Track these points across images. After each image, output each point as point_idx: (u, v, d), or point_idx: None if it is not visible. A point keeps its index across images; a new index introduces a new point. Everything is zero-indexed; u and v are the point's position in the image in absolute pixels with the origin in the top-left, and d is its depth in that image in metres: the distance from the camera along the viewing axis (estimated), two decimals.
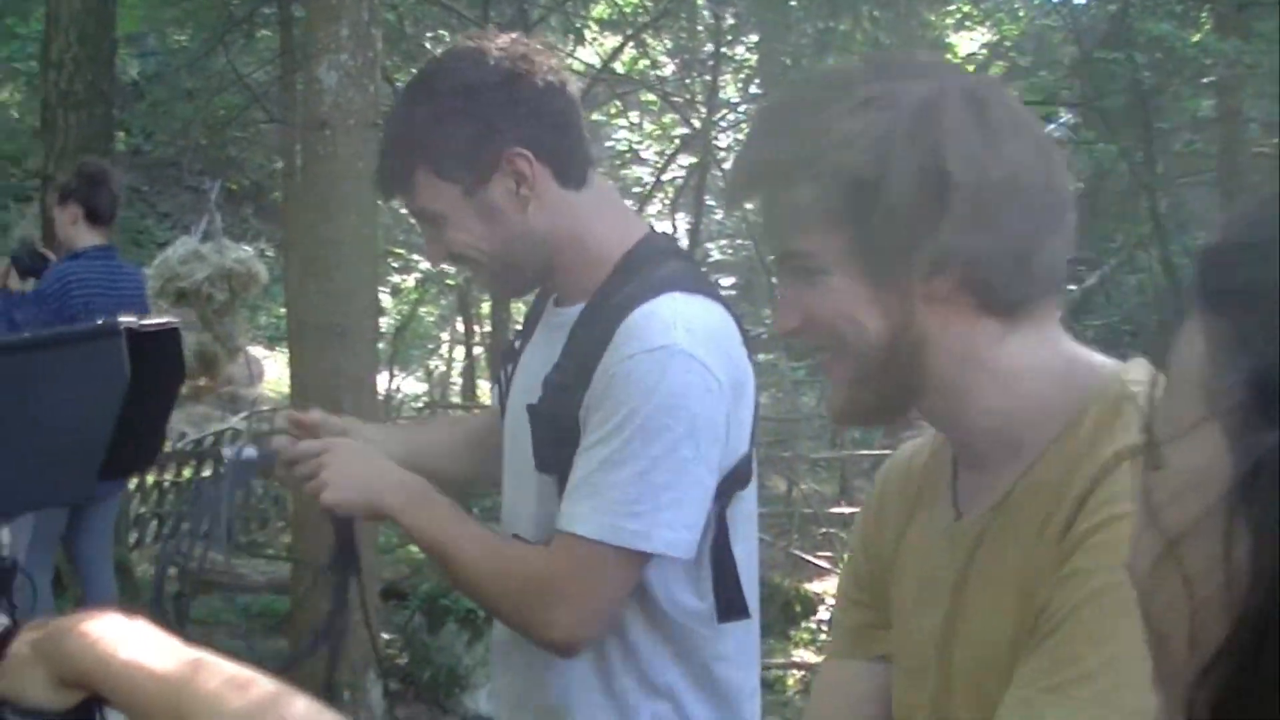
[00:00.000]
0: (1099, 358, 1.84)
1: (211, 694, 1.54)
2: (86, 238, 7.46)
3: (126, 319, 2.08)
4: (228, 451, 2.84)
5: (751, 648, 2.87)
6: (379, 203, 6.74)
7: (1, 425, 2.11)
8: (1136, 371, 1.76)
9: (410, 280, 23.11)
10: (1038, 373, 1.80)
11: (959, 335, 1.79)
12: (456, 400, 18.00)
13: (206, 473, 13.88)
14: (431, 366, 21.33)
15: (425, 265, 22.76)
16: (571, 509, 2.55)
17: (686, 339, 2.51)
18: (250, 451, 2.80)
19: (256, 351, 21.60)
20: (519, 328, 3.12)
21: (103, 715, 2.03)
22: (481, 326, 19.23)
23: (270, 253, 22.27)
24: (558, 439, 2.62)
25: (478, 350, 18.82)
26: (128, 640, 1.70)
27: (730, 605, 2.71)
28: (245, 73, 15.97)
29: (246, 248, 21.00)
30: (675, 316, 2.54)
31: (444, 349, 20.44)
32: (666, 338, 2.50)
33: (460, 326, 18.27)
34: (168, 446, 13.75)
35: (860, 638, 2.10)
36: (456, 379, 19.35)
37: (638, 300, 2.55)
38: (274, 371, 21.90)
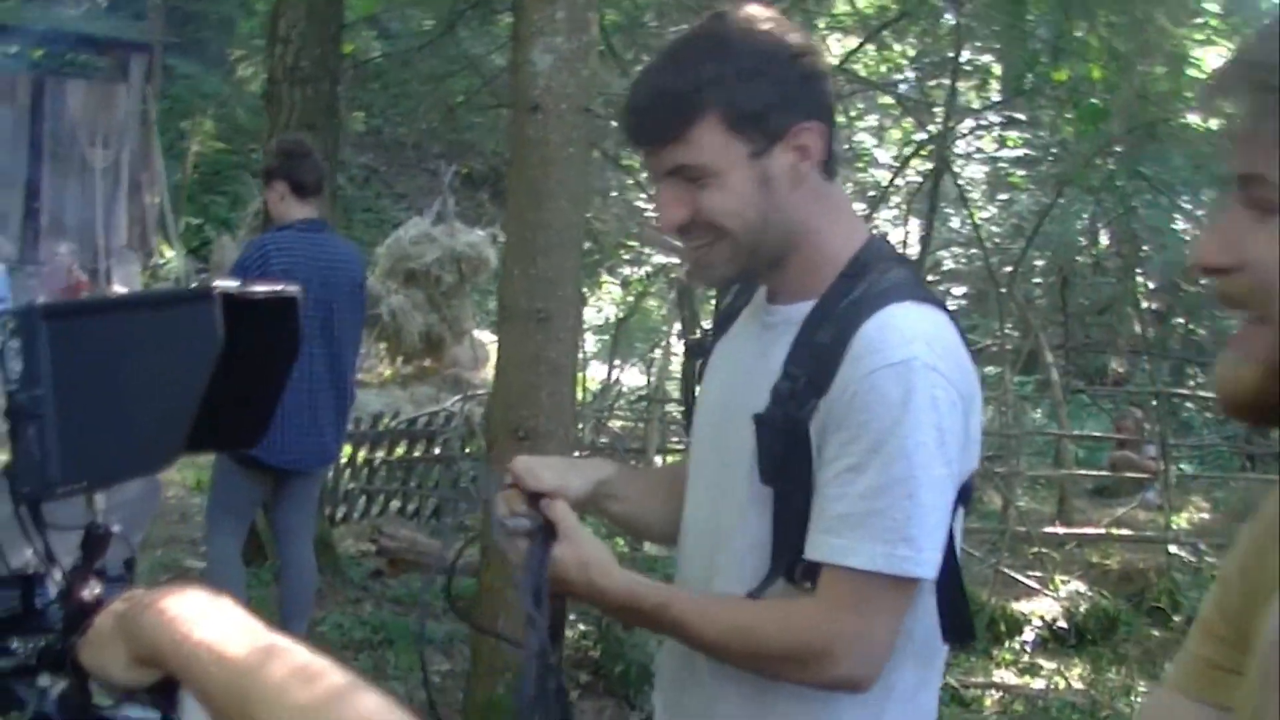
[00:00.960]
0: None
1: (278, 684, 1.49)
2: (296, 211, 7.48)
3: (226, 283, 2.00)
4: (503, 523, 2.69)
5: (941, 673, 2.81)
6: (598, 195, 6.68)
7: (92, 389, 2.05)
8: None
9: (640, 273, 23.15)
10: None
11: None
12: (674, 395, 17.92)
13: (417, 453, 13.98)
14: (652, 359, 21.31)
15: (657, 259, 22.80)
16: (837, 541, 2.45)
17: (926, 352, 2.45)
18: (523, 523, 2.64)
19: (483, 336, 21.74)
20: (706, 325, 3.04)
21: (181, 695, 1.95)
22: (703, 322, 19.18)
23: (502, 238, 22.46)
24: (786, 452, 2.52)
25: None
26: (205, 620, 1.64)
27: (959, 627, 2.66)
28: (482, 56, 16.05)
29: (479, 231, 21.25)
30: (912, 328, 2.47)
31: (666, 342, 20.39)
32: (907, 351, 2.43)
33: (680, 323, 18.22)
34: (383, 424, 13.89)
35: (1204, 677, 1.80)
36: (676, 373, 19.32)
37: (869, 308, 2.49)
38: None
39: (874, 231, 2.72)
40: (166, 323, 2.08)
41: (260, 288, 2.11)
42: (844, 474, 2.44)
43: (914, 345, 2.43)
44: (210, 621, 1.63)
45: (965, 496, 2.59)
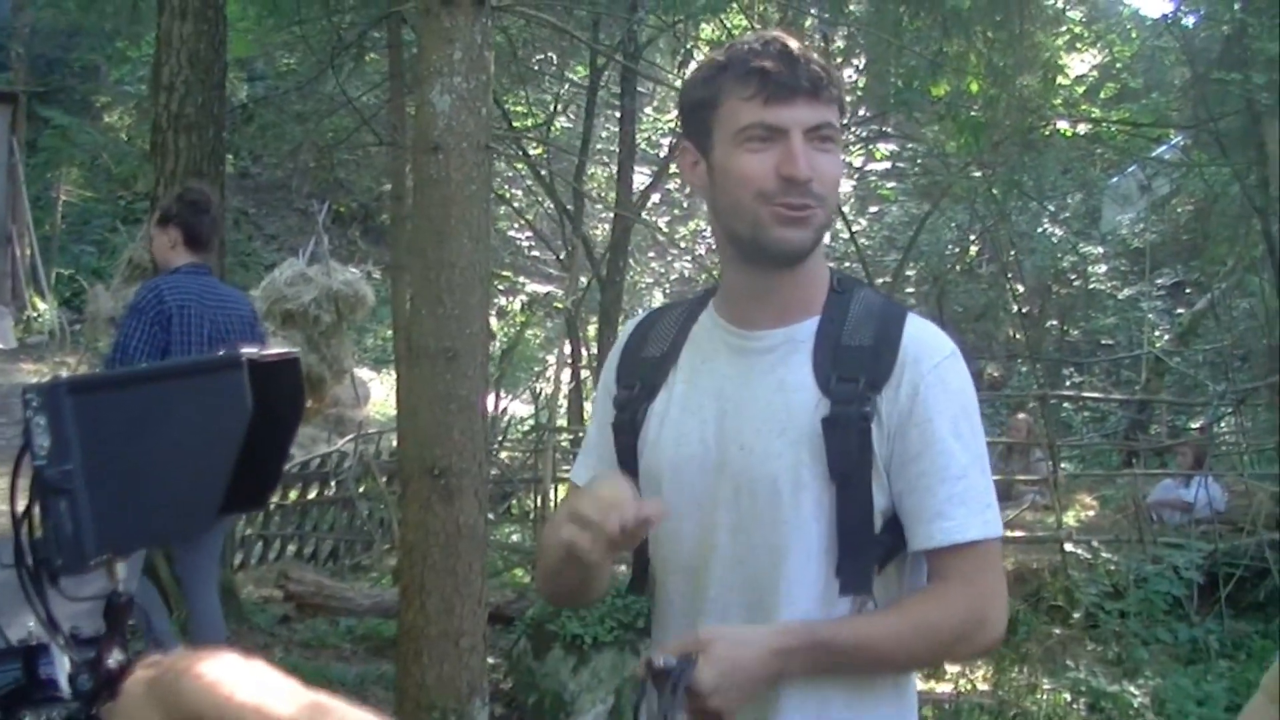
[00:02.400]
0: None
1: None
2: (183, 258, 7.69)
3: (248, 349, 2.04)
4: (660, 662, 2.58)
5: None
6: (490, 230, 6.73)
7: (122, 461, 2.07)
8: None
9: (516, 303, 23.18)
10: None
11: None
12: (563, 424, 17.98)
13: (312, 495, 13.94)
14: (538, 389, 21.34)
15: (532, 288, 22.83)
16: (949, 523, 2.69)
17: (955, 348, 2.80)
18: (671, 661, 2.57)
19: (363, 374, 21.71)
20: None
21: None
22: (588, 349, 19.21)
23: (377, 275, 22.41)
24: (854, 446, 2.70)
25: (585, 374, 18.80)
26: (245, 681, 1.66)
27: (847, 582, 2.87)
28: (354, 96, 16.05)
29: (354, 270, 21.19)
30: (938, 330, 2.83)
31: (549, 372, 20.41)
32: (950, 346, 2.79)
33: (568, 349, 18.25)
34: None
35: None
36: (563, 402, 19.37)
37: (897, 315, 2.79)
38: (380, 393, 21.98)
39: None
40: (195, 391, 2.12)
41: (268, 351, 2.15)
42: (936, 461, 2.70)
43: (948, 342, 2.79)
44: (250, 683, 1.65)
45: None
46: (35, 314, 24.85)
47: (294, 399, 2.31)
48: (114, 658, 2.17)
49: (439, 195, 6.45)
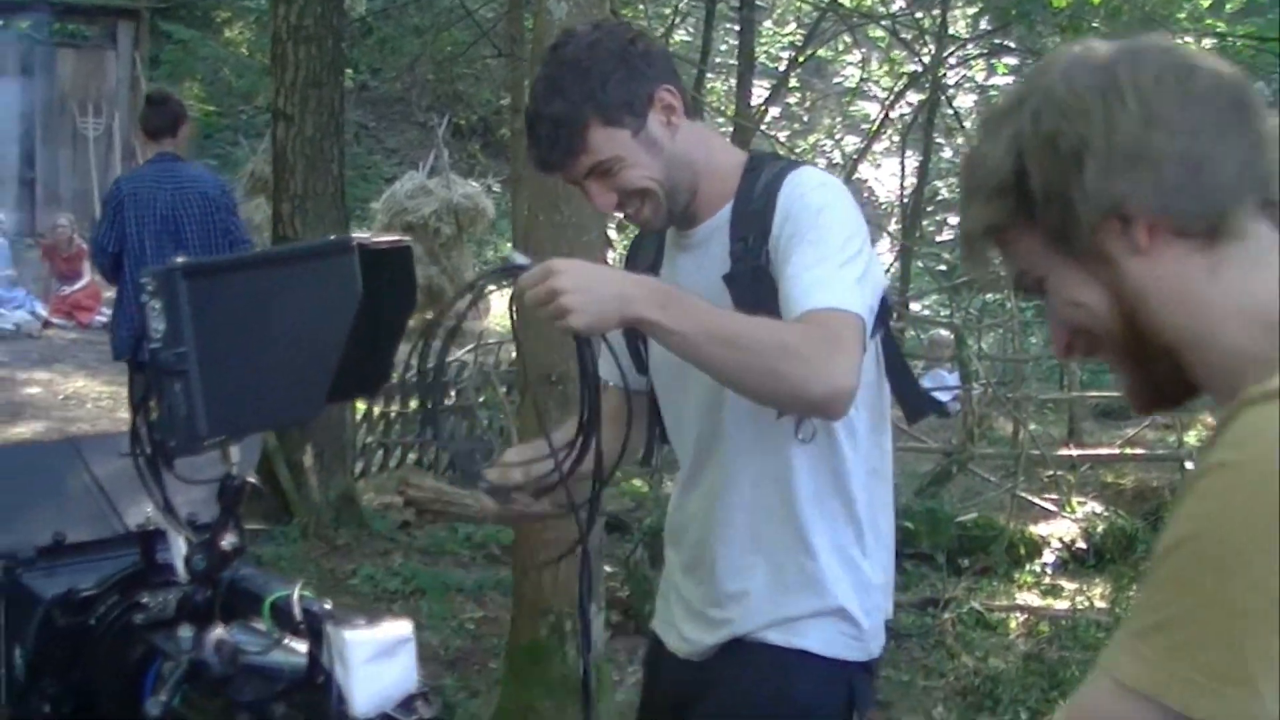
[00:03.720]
0: None
1: None
2: (150, 151, 9.23)
3: (359, 235, 2.06)
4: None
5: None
6: None
7: (234, 344, 2.10)
8: None
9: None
10: (1251, 310, 1.77)
11: (1173, 279, 1.78)
12: None
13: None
14: None
15: None
16: (805, 297, 2.97)
17: (836, 182, 3.28)
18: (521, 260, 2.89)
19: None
20: None
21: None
22: None
23: (497, 188, 22.40)
24: (757, 296, 3.09)
25: None
26: None
27: (915, 405, 3.53)
28: (472, 8, 16.03)
29: (474, 183, 21.26)
30: (820, 174, 3.28)
31: None
32: (822, 179, 3.23)
33: None
34: (395, 377, 13.94)
35: None
36: None
37: (782, 175, 3.19)
38: (500, 306, 22.05)
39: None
40: (306, 276, 2.16)
41: (380, 238, 2.19)
42: (794, 255, 3.04)
43: (824, 177, 3.25)
44: None
45: (883, 320, 3.24)
46: None
47: (405, 288, 2.35)
48: (227, 540, 2.22)
49: None
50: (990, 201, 1.84)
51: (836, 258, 3.01)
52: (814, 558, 3.26)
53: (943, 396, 15.52)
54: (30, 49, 25.04)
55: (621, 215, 3.29)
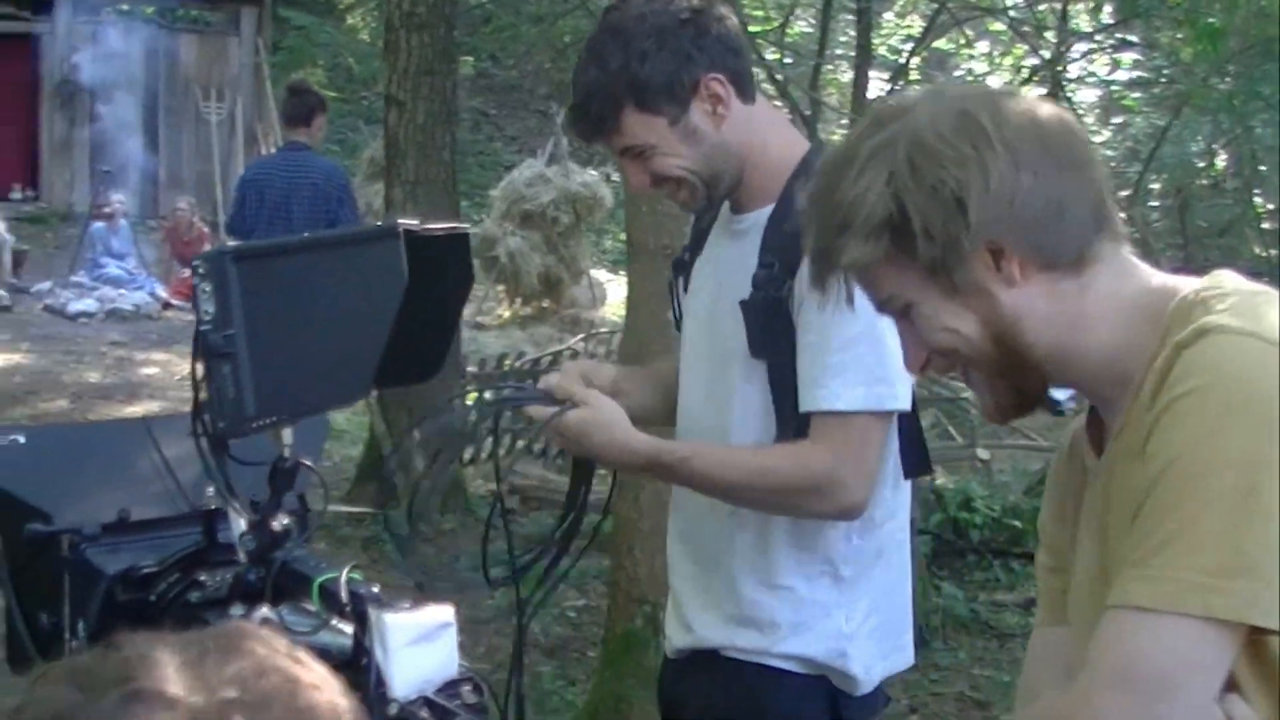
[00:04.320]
0: (1177, 279, 2.05)
1: None
2: (284, 139, 10.05)
3: (406, 222, 2.08)
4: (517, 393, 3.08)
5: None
6: None
7: (282, 327, 2.13)
8: (1212, 279, 1.97)
9: None
10: (1123, 307, 2.01)
11: (1044, 302, 2.00)
12: None
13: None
14: None
15: None
16: (822, 391, 2.94)
17: None
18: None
19: (600, 275, 21.78)
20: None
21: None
22: None
23: (615, 177, 22.40)
24: (770, 327, 3.02)
25: None
26: None
27: (917, 461, 3.27)
28: None
29: (592, 172, 21.28)
30: None
31: None
32: None
33: None
34: (506, 365, 14.01)
35: (1058, 604, 2.20)
36: None
37: None
38: (616, 295, 22.05)
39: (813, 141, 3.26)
40: (353, 261, 2.18)
41: (435, 225, 2.20)
42: (823, 332, 2.92)
43: None
44: None
45: None
46: None
47: (462, 275, 2.36)
48: (277, 520, 2.24)
49: None
50: (868, 239, 1.98)
51: (870, 339, 2.90)
52: (773, 593, 3.16)
53: (1059, 395, 15.45)
54: (155, 34, 25.33)
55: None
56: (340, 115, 27.00)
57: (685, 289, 3.37)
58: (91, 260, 19.81)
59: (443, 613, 2.07)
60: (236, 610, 2.25)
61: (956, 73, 23.61)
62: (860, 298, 2.56)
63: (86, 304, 18.36)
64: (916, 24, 21.11)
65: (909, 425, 3.18)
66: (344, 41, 28.16)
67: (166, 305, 19.08)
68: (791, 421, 3.03)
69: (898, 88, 20.59)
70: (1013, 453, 12.53)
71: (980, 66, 21.46)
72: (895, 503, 3.22)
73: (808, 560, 3.14)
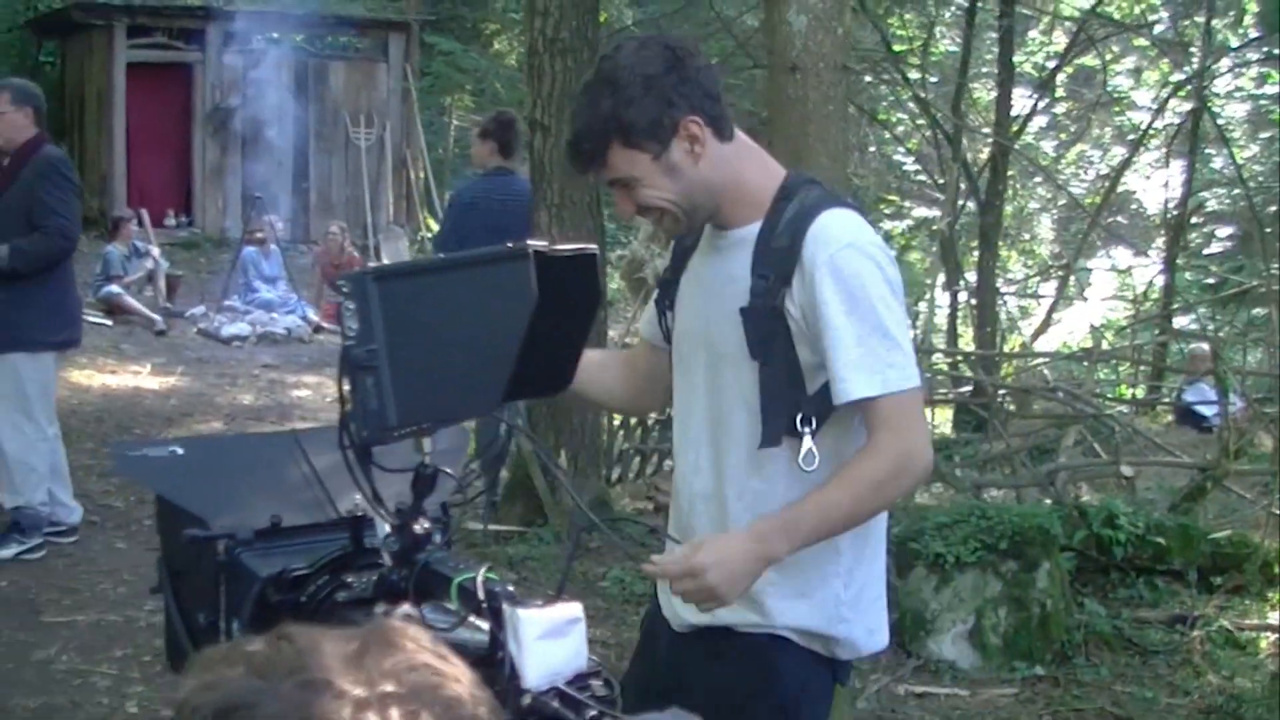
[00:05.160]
0: None
1: None
2: (494, 162, 10.63)
3: (537, 243, 2.21)
4: None
5: None
6: (851, 151, 6.89)
7: (420, 342, 2.27)
8: None
9: (901, 226, 23.10)
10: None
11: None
12: (940, 345, 17.91)
13: None
14: (918, 312, 21.25)
15: (918, 212, 22.75)
16: (847, 385, 3.31)
17: (859, 237, 3.41)
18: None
19: None
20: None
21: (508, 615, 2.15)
22: (962, 273, 19.02)
23: None
24: (768, 332, 3.39)
25: (962, 298, 18.66)
26: None
27: None
28: (731, 18, 16.17)
29: None
30: (843, 224, 3.41)
31: (930, 295, 20.34)
32: (849, 236, 3.38)
33: (944, 275, 18.15)
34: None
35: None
36: (942, 326, 19.29)
37: (808, 217, 3.40)
38: None
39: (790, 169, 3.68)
40: (486, 280, 2.32)
41: (564, 246, 2.34)
42: (833, 337, 3.30)
43: (846, 234, 3.38)
44: None
45: None
46: (428, 234, 25.70)
47: (591, 294, 2.50)
48: (419, 524, 2.38)
49: (797, 115, 6.53)
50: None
51: (879, 332, 3.32)
52: (779, 569, 3.41)
53: (1205, 411, 15.31)
54: (304, 61, 25.78)
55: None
56: None
57: (670, 305, 3.75)
58: (244, 285, 20.09)
59: (572, 609, 2.20)
60: (380, 609, 2.39)
61: (1103, 89, 23.49)
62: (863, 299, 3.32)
63: (239, 328, 18.66)
64: (1060, 41, 21.05)
65: None
66: (488, 67, 28.46)
67: (317, 329, 19.31)
68: (777, 418, 3.42)
69: (1042, 105, 20.64)
70: (1158, 470, 12.45)
71: (1125, 82, 21.31)
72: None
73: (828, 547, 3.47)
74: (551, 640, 2.11)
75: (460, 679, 1.38)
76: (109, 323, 18.24)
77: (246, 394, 15.49)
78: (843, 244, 3.36)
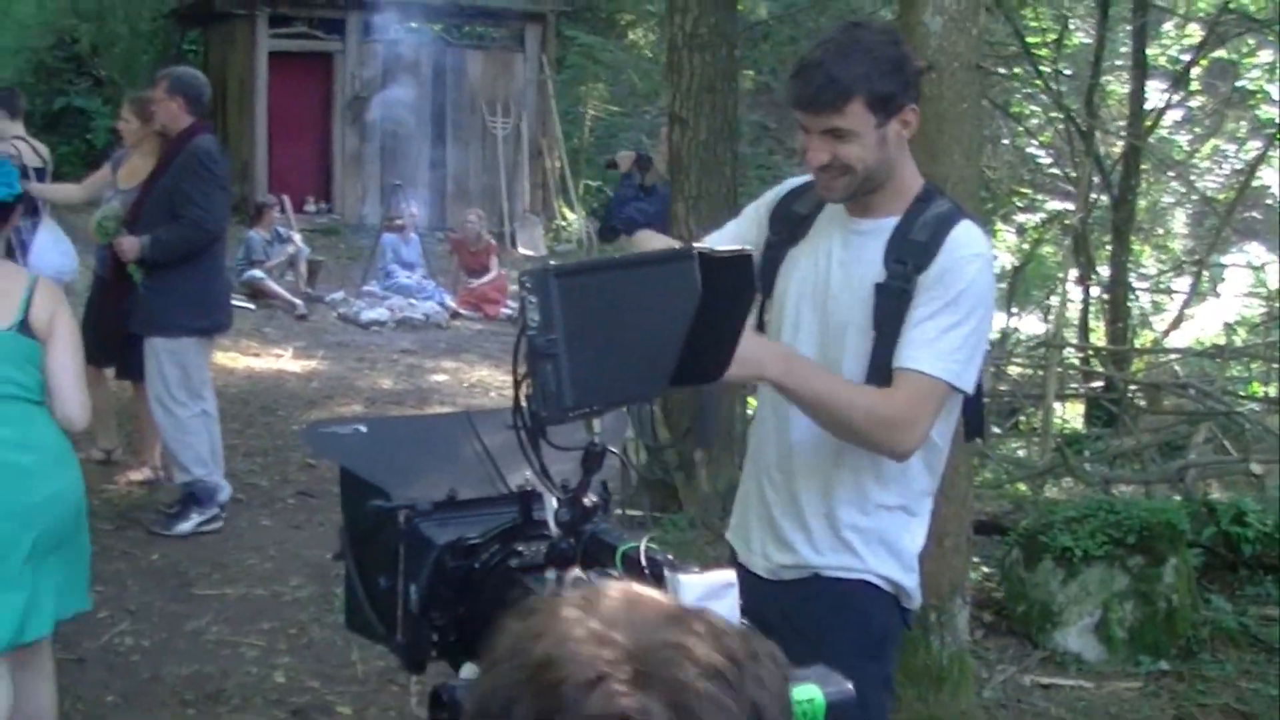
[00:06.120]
0: None
1: None
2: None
3: (700, 245, 2.44)
4: None
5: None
6: (984, 145, 7.04)
7: (594, 332, 2.51)
8: None
9: (1034, 219, 23.00)
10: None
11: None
12: (1072, 340, 17.88)
13: None
14: (1049, 306, 21.18)
15: (1051, 205, 22.66)
16: (916, 354, 3.72)
17: (987, 252, 3.89)
18: None
19: None
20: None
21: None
22: (1095, 268, 18.95)
23: None
24: (893, 308, 3.79)
25: (1094, 292, 18.59)
26: None
27: (975, 426, 4.35)
28: (868, 12, 16.26)
29: None
30: (978, 237, 3.86)
31: (1062, 289, 20.26)
32: (979, 248, 3.83)
33: (1077, 269, 18.08)
34: None
35: None
36: (1074, 320, 19.22)
37: (951, 221, 3.83)
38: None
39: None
40: (654, 278, 2.56)
41: (722, 248, 2.58)
42: (927, 317, 3.73)
43: (981, 246, 3.85)
44: None
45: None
46: (564, 223, 25.98)
47: (745, 291, 2.75)
48: (588, 498, 2.62)
49: (932, 113, 6.64)
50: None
51: (958, 328, 3.75)
52: (867, 518, 3.97)
53: None
54: (442, 51, 26.09)
55: (821, 182, 3.88)
56: (624, 129, 27.49)
57: (780, 260, 4.12)
58: (383, 270, 20.33)
59: (726, 574, 2.43)
60: (550, 574, 2.61)
61: (1240, 82, 23.32)
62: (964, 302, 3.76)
63: (378, 313, 18.89)
64: (1196, 33, 20.93)
65: (975, 400, 4.05)
66: (624, 59, 28.65)
67: (455, 315, 19.56)
68: (881, 382, 3.79)
69: (1177, 98, 20.55)
70: None
71: (1262, 76, 21.16)
72: (947, 463, 4.11)
73: (891, 496, 3.95)
74: (708, 602, 2.32)
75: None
76: (252, 306, 18.50)
77: (385, 378, 15.69)
78: (974, 252, 3.81)
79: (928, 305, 3.76)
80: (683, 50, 9.96)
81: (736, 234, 4.21)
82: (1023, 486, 12.14)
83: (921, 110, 6.76)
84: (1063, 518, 8.55)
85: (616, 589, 1.50)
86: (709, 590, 2.37)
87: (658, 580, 2.39)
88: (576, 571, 2.53)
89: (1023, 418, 16.30)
